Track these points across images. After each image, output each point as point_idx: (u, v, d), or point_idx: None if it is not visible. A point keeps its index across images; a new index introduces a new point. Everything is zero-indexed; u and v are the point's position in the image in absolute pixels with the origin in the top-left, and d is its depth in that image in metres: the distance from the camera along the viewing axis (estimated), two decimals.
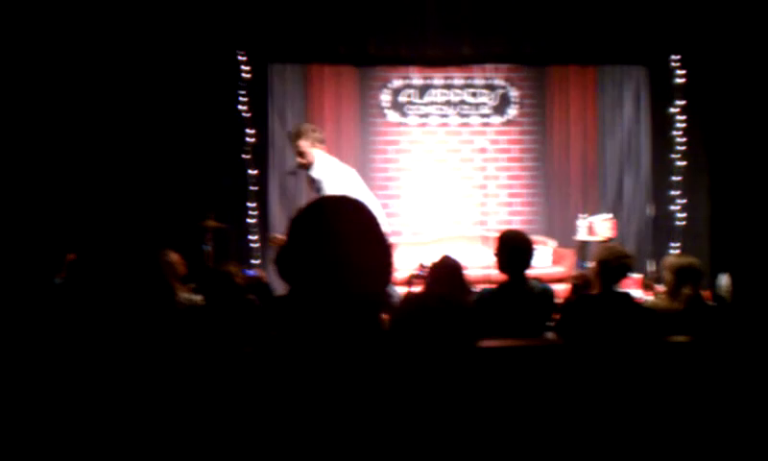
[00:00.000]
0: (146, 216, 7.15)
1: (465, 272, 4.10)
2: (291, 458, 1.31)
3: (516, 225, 8.58)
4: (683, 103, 8.25)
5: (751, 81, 7.64)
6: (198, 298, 4.79)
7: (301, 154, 5.88)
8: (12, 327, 2.96)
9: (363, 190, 6.11)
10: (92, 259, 1.72)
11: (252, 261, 7.84)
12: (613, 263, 3.88)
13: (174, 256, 4.94)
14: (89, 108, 7.22)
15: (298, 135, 5.91)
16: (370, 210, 1.51)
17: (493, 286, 4.13)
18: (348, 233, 1.43)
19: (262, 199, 8.21)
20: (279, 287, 5.78)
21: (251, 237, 8.00)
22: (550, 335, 4.04)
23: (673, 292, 4.07)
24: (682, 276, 4.09)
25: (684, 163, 8.25)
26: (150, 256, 1.76)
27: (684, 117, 8.26)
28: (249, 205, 8.00)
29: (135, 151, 7.36)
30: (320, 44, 7.97)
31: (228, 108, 7.88)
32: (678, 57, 8.23)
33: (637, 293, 6.13)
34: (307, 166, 5.91)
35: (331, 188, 5.62)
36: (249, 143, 8.02)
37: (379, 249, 1.46)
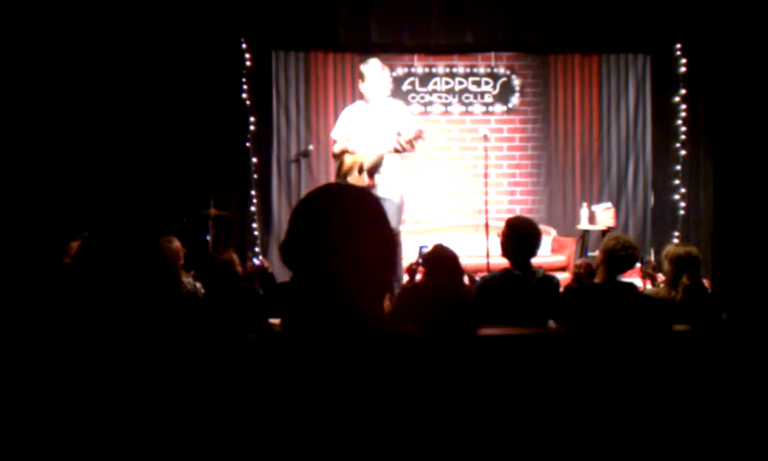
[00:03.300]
0: (148, 203, 7.15)
1: (459, 260, 4.09)
2: (291, 447, 1.32)
3: (517, 214, 8.58)
4: (685, 92, 8.23)
5: (754, 70, 7.61)
6: (199, 285, 4.82)
7: None
8: (16, 313, 2.98)
9: None
10: (98, 245, 1.72)
11: (254, 249, 7.84)
12: (620, 253, 3.88)
13: (176, 243, 4.97)
14: (92, 94, 7.21)
15: None
16: (375, 198, 1.52)
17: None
18: (351, 221, 1.43)
19: (264, 186, 8.21)
20: (283, 275, 5.80)
21: (252, 225, 8.00)
22: (551, 323, 4.05)
23: (672, 281, 4.08)
24: (680, 265, 4.09)
25: (687, 152, 8.23)
26: (155, 243, 1.75)
27: (686, 106, 8.24)
28: (251, 192, 8.00)
29: (137, 138, 7.35)
30: (322, 32, 7.95)
31: (231, 95, 7.85)
32: (681, 45, 8.21)
33: (637, 282, 6.13)
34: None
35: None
36: (251, 131, 8.01)
37: (383, 237, 1.46)
